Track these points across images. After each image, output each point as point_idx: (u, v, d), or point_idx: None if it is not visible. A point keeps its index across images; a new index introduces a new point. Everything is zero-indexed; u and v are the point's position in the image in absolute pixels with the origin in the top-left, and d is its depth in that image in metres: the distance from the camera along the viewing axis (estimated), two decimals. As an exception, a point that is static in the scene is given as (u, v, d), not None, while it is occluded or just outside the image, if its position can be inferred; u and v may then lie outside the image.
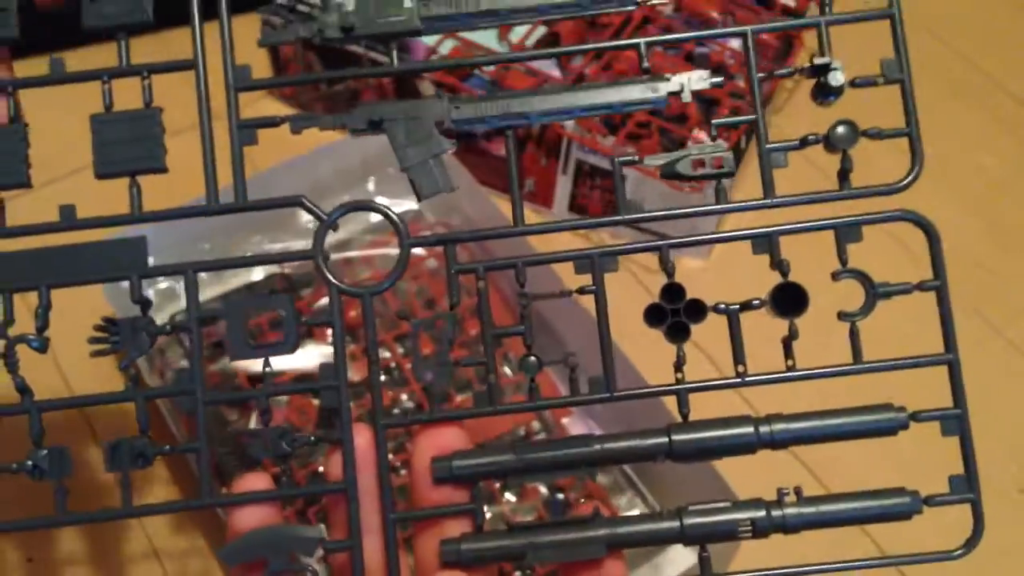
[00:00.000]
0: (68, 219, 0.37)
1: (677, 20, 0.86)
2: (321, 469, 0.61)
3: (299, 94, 0.89)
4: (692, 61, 0.82)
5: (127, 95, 0.38)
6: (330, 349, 0.37)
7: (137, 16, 0.37)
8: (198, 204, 0.37)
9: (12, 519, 0.38)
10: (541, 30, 0.84)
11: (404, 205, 0.76)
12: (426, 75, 0.79)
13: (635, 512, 0.64)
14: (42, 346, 0.37)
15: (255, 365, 0.37)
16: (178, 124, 0.39)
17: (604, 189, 0.80)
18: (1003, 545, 0.67)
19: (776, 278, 0.37)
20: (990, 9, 1.02)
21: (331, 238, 0.74)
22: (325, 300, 0.37)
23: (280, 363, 0.62)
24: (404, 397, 0.64)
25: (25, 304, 0.37)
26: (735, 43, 0.85)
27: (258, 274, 0.73)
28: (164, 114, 0.37)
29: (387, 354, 0.66)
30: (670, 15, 0.86)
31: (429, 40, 0.81)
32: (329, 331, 0.59)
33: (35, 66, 0.38)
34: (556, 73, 0.80)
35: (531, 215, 0.83)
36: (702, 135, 0.77)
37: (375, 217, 0.51)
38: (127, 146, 0.37)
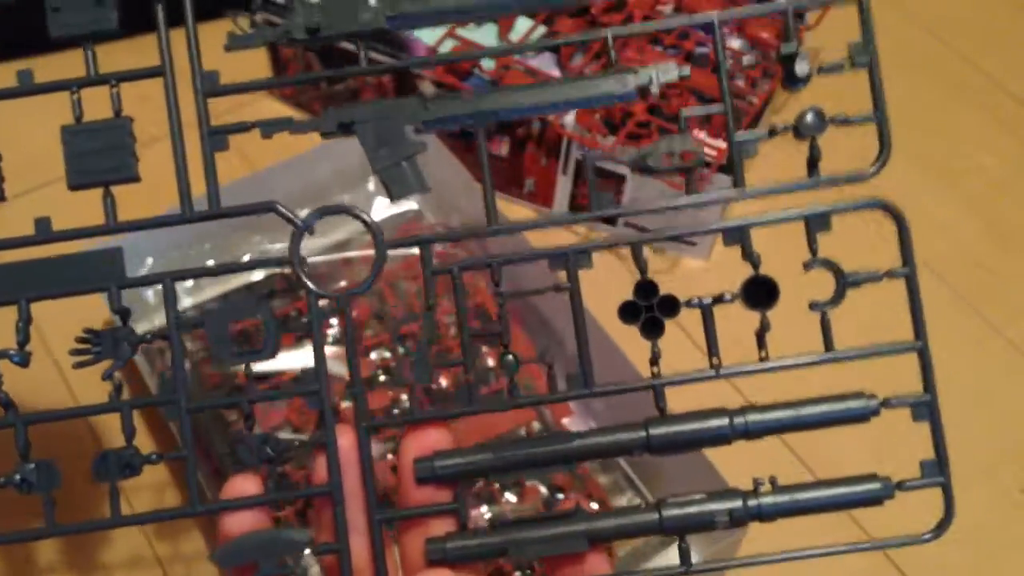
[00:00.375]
0: (44, 232, 0.37)
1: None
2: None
3: (298, 94, 0.89)
4: (691, 61, 0.82)
5: (105, 103, 0.37)
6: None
7: (102, 25, 0.36)
8: (174, 213, 0.38)
9: (2, 529, 0.38)
10: (541, 30, 0.84)
11: (405, 205, 0.76)
12: (427, 76, 0.80)
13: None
14: (23, 360, 0.37)
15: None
16: (161, 130, 0.39)
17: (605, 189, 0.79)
18: (1005, 543, 0.67)
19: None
20: (990, 9, 1.02)
21: (330, 239, 0.75)
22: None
23: (280, 363, 0.62)
24: (404, 397, 0.65)
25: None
26: (735, 43, 0.85)
27: (258, 274, 0.73)
28: (146, 120, 0.37)
29: (387, 354, 0.66)
30: (669, 15, 0.86)
31: (429, 40, 0.81)
32: (330, 330, 0.59)
33: (7, 71, 0.38)
34: (557, 74, 0.80)
35: (531, 215, 0.83)
36: (701, 134, 0.76)
37: (376, 216, 0.51)
38: (99, 157, 0.36)
